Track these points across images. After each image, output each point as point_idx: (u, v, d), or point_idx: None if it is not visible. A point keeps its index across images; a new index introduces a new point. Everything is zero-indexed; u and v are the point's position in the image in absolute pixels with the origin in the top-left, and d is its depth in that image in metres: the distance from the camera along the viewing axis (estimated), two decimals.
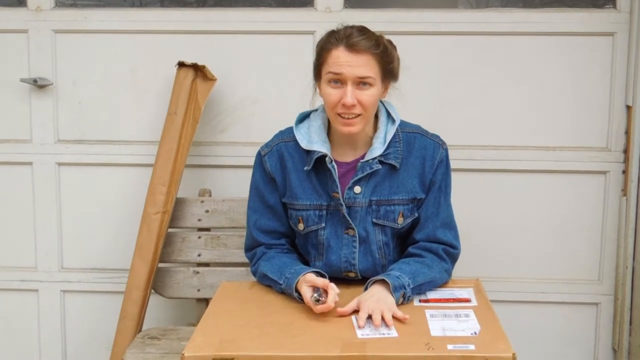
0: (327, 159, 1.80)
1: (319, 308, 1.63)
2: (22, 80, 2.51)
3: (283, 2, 2.54)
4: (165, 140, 2.40)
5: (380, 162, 1.81)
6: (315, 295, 1.65)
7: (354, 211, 1.83)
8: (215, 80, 2.42)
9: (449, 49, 2.47)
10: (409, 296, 1.72)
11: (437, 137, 1.89)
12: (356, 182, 1.81)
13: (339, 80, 1.75)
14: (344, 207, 1.82)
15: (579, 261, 2.54)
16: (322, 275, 1.76)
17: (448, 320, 1.61)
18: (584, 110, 2.47)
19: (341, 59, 1.73)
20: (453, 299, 1.74)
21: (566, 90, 2.46)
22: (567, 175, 2.49)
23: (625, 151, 2.46)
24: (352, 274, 1.88)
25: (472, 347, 1.47)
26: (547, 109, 2.48)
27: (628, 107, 2.43)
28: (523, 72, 2.46)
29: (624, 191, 2.47)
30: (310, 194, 1.85)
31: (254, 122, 2.52)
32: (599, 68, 2.44)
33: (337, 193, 1.81)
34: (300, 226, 1.87)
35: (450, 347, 1.47)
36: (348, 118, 1.76)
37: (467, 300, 1.73)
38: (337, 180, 1.80)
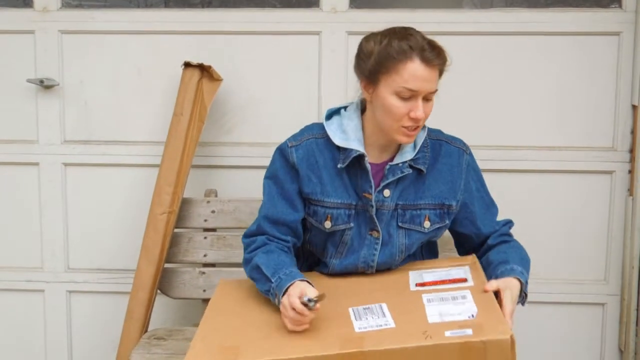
0: (365, 159, 1.76)
1: (309, 316, 1.55)
2: (29, 81, 2.52)
3: (288, 3, 2.54)
4: (172, 140, 2.40)
5: (410, 167, 1.78)
6: (311, 297, 1.55)
7: (380, 213, 1.79)
8: (221, 80, 2.43)
9: (453, 49, 2.43)
10: (526, 292, 1.73)
11: (460, 141, 1.86)
12: (385, 186, 1.78)
13: (411, 93, 1.68)
14: (374, 208, 1.79)
15: (585, 261, 2.53)
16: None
17: (445, 304, 1.59)
18: (590, 110, 2.46)
19: (418, 74, 1.65)
20: (449, 280, 1.71)
21: (571, 90, 2.46)
22: (573, 175, 2.49)
23: (631, 151, 2.46)
24: (368, 271, 1.85)
25: (469, 331, 1.46)
26: (553, 109, 2.47)
27: (634, 107, 2.43)
28: (528, 72, 2.46)
29: (630, 191, 2.47)
30: (342, 192, 1.80)
31: (260, 123, 2.53)
32: (605, 68, 2.44)
33: (370, 194, 1.77)
34: (327, 224, 1.81)
35: (447, 333, 1.46)
36: (412, 129, 1.72)
37: (464, 280, 1.70)
38: (372, 180, 1.77)
